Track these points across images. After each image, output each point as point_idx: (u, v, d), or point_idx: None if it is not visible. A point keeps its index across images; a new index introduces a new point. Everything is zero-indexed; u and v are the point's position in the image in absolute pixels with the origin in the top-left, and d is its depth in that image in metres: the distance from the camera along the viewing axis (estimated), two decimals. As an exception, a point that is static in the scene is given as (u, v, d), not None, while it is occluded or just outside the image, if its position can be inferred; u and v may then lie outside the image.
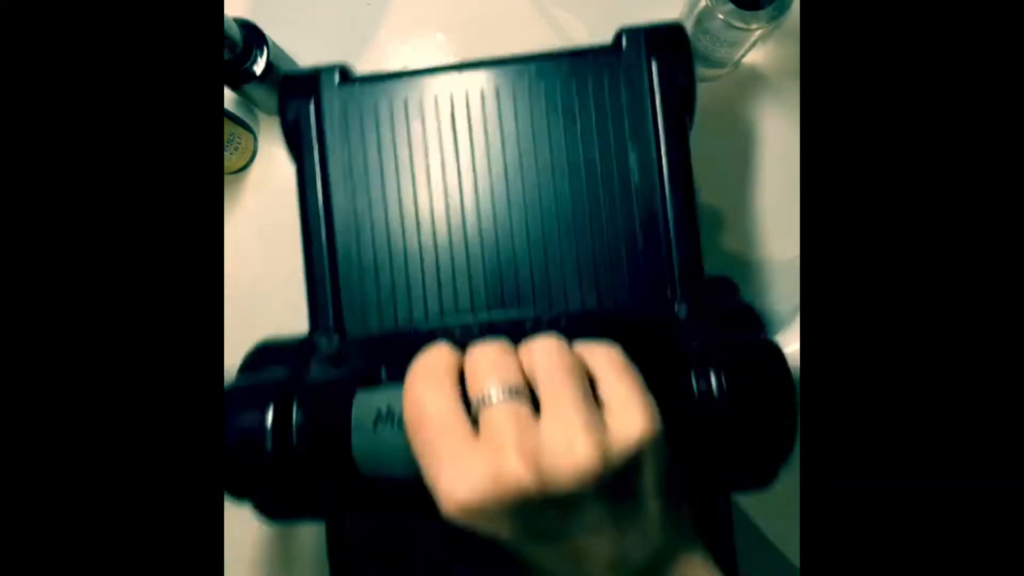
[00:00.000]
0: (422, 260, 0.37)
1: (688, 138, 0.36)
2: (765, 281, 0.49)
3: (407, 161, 0.38)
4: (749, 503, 0.48)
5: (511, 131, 0.37)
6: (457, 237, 0.37)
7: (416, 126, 0.38)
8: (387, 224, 0.37)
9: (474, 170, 0.37)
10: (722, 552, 0.35)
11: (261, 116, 0.53)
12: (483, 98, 0.38)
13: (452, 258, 0.37)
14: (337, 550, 0.36)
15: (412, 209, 0.37)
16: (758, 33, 0.43)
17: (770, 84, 0.51)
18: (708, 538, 0.35)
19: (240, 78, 0.46)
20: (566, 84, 0.37)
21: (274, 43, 0.48)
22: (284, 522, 0.35)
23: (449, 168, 0.37)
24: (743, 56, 0.48)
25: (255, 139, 0.51)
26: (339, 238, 0.38)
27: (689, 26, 0.45)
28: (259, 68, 0.46)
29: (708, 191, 0.49)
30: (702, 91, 0.49)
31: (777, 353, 0.28)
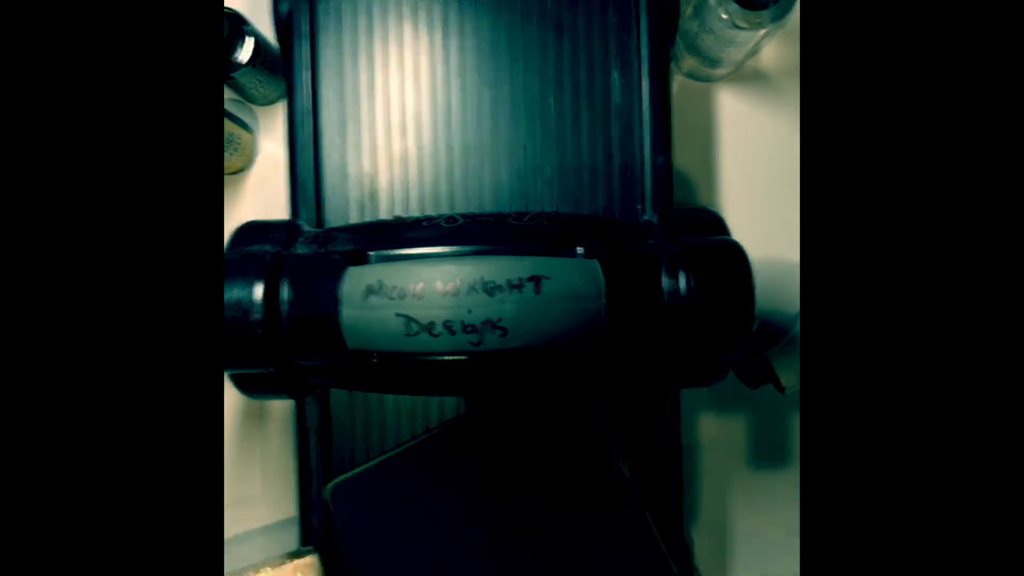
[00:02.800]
0: (405, 158, 0.38)
1: (669, 60, 0.38)
2: (766, 283, 0.48)
3: (397, 61, 0.38)
4: (749, 508, 0.50)
5: (501, 39, 0.38)
6: (442, 138, 0.38)
7: (408, 27, 0.39)
8: (373, 119, 0.38)
9: (463, 75, 0.38)
10: (667, 447, 0.38)
11: (260, 114, 0.51)
12: (476, 4, 0.38)
13: (435, 158, 0.38)
14: (305, 429, 0.37)
15: (399, 108, 0.38)
16: (762, 33, 0.43)
17: (771, 84, 0.51)
18: (655, 434, 0.38)
19: (226, 67, 0.46)
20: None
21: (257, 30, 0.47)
22: (261, 396, 0.36)
23: (438, 70, 0.38)
24: (747, 57, 0.48)
25: (255, 139, 0.51)
26: (324, 131, 0.38)
27: (693, 26, 0.45)
28: (244, 55, 0.46)
29: (707, 191, 0.50)
30: (704, 91, 0.50)
31: (739, 252, 0.31)
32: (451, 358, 0.30)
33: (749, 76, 0.51)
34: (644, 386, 0.38)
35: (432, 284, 0.29)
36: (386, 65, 0.38)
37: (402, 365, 0.31)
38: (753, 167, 0.51)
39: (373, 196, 0.38)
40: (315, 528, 0.38)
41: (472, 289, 0.29)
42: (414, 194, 0.38)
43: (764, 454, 0.51)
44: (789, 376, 0.47)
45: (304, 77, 0.38)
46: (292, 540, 0.39)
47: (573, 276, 0.29)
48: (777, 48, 0.51)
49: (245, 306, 0.30)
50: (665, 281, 0.31)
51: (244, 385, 0.35)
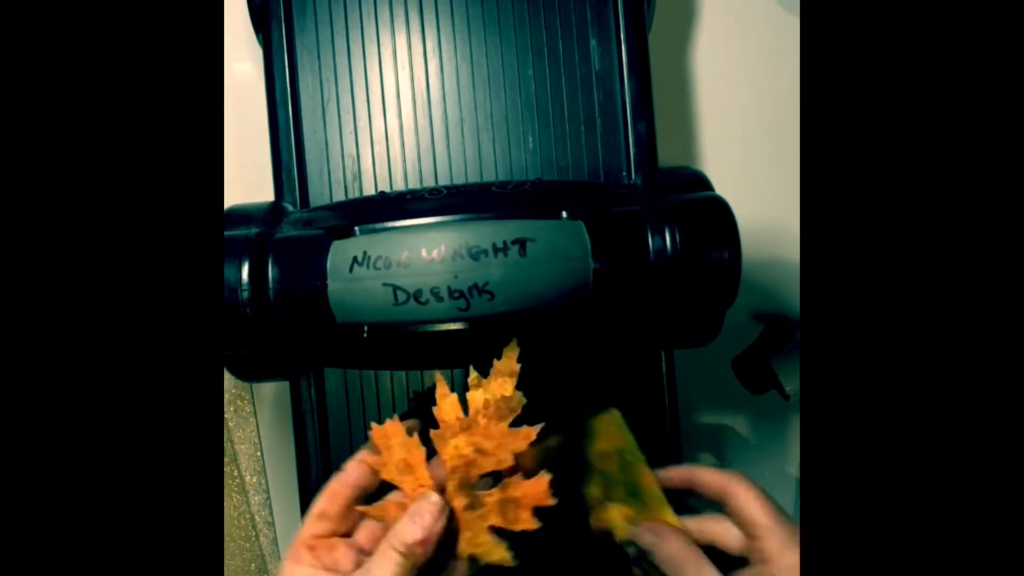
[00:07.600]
0: (387, 135, 0.38)
1: (645, 26, 0.38)
2: (766, 285, 0.50)
3: (374, 40, 0.38)
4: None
5: (477, 15, 0.38)
6: (422, 115, 0.38)
7: (383, 5, 0.39)
8: (353, 100, 0.38)
9: (440, 51, 0.38)
10: (662, 409, 0.38)
11: (239, 96, 0.50)
12: (450, -21, 0.39)
13: (417, 134, 0.38)
14: (301, 412, 0.37)
15: (378, 86, 0.38)
16: None
17: (745, 26, 0.51)
18: (649, 396, 0.38)
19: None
20: (531, -29, 0.39)
21: None
22: (255, 379, 0.36)
23: (415, 48, 0.38)
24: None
25: None
26: (304, 114, 0.38)
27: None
28: None
29: (688, 150, 0.50)
30: (679, 49, 0.50)
31: (722, 206, 0.31)
32: (441, 327, 0.30)
33: (751, 77, 0.50)
34: (636, 347, 0.38)
35: (417, 252, 0.29)
36: (363, 46, 0.38)
37: (392, 336, 0.31)
38: (731, 117, 0.50)
39: (357, 176, 0.38)
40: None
41: (457, 255, 0.29)
42: (398, 172, 0.38)
43: (764, 454, 0.51)
44: (794, 382, 0.47)
45: (282, 61, 0.38)
46: (293, 523, 0.39)
47: (558, 237, 0.29)
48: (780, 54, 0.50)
49: (232, 285, 0.30)
50: (651, 239, 0.31)
51: (238, 369, 0.35)
